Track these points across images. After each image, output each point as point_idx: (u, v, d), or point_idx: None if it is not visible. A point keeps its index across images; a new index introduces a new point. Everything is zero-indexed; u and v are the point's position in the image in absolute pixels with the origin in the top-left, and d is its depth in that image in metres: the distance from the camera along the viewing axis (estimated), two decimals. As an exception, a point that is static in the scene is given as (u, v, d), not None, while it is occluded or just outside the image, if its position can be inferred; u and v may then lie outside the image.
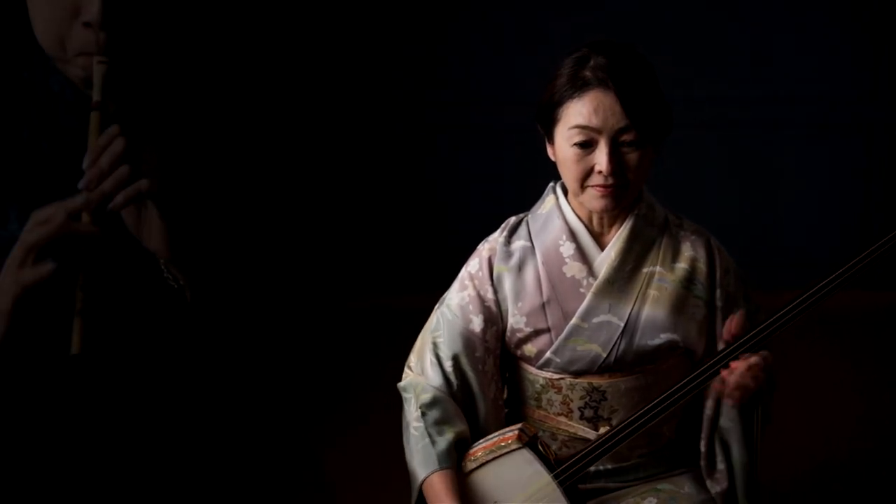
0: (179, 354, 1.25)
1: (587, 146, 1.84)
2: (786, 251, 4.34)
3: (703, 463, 1.93)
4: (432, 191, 4.51)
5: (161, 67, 1.28)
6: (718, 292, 1.93)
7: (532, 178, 2.19)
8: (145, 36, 1.20)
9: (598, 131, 1.82)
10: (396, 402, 2.00)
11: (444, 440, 1.88)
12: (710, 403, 1.91)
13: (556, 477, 1.85)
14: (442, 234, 4.28)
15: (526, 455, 1.87)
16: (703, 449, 1.92)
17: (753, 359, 1.78)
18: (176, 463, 1.29)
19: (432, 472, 1.86)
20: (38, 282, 1.07)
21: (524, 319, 1.94)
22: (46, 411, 1.22)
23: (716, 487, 1.92)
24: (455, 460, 1.88)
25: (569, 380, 1.93)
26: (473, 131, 4.48)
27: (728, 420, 1.89)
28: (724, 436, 1.90)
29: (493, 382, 1.97)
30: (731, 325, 1.81)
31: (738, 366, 1.78)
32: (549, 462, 1.87)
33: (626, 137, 1.83)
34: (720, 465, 1.91)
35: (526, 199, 2.09)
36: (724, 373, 1.79)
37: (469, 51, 4.42)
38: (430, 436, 1.88)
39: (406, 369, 2.00)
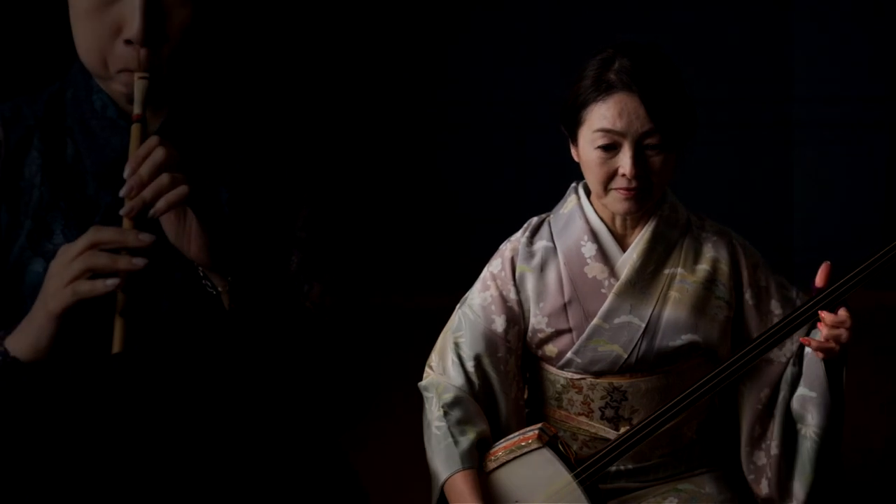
0: (216, 359, 1.30)
1: (611, 149, 1.87)
2: (807, 251, 4.35)
3: (745, 449, 1.96)
4: (448, 192, 4.54)
5: (200, 79, 1.33)
6: (749, 292, 1.95)
7: (547, 178, 2.21)
8: (186, 52, 1.26)
9: (622, 135, 1.85)
10: (412, 401, 2.02)
11: (466, 440, 1.91)
12: (764, 392, 1.94)
13: (576, 476, 1.88)
14: (455, 236, 4.30)
15: (546, 454, 1.89)
16: (748, 433, 1.96)
17: (842, 312, 1.79)
18: (205, 462, 1.33)
19: (455, 472, 1.89)
20: (95, 296, 1.14)
21: (546, 320, 1.97)
22: (88, 409, 1.28)
23: (760, 484, 1.95)
24: (477, 460, 1.92)
25: (590, 380, 1.95)
26: (486, 131, 4.50)
27: (812, 390, 1.88)
28: (800, 408, 1.90)
29: (514, 382, 2.00)
30: (820, 276, 1.82)
31: (831, 319, 1.78)
32: (570, 461, 1.90)
33: (650, 141, 1.85)
34: (774, 451, 1.93)
35: (541, 199, 2.11)
36: (819, 325, 1.80)
37: (489, 51, 4.44)
38: (452, 435, 1.91)
39: (427, 369, 2.03)
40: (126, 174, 1.17)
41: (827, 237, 4.37)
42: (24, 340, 1.20)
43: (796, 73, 4.26)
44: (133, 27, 1.22)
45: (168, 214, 1.19)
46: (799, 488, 1.91)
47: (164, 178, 1.16)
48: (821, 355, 1.82)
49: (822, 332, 1.80)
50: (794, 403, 1.91)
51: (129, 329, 1.15)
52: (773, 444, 1.94)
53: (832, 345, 1.80)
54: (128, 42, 1.23)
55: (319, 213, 1.37)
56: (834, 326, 1.78)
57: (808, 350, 1.91)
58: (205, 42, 1.27)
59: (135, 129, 1.21)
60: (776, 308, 1.95)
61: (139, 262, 1.14)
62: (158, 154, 1.17)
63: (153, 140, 1.18)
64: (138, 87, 1.23)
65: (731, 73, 4.32)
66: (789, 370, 1.93)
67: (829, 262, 1.82)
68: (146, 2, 1.21)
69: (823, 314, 1.79)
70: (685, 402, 1.86)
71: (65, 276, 1.15)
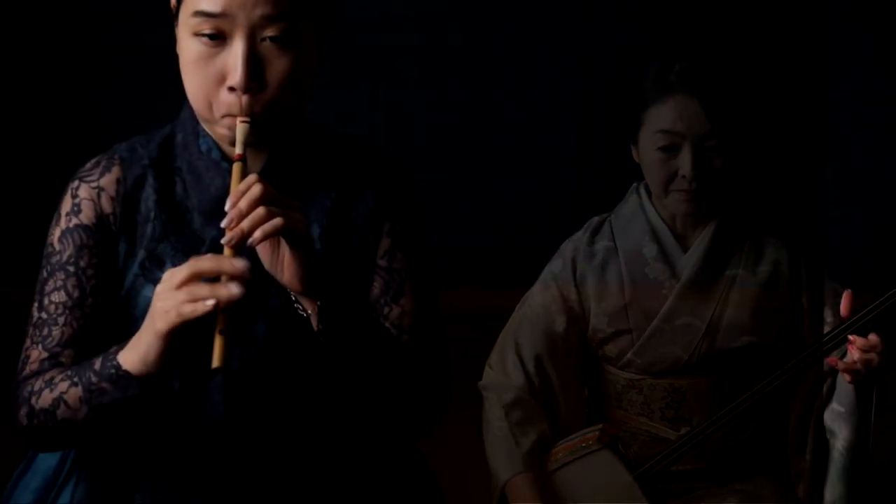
0: (307, 372, 1.47)
1: (671, 150, 1.96)
2: (840, 253, 4.37)
3: (789, 452, 2.04)
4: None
5: (298, 122, 1.52)
6: (806, 296, 2.02)
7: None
8: (284, 98, 1.42)
9: (682, 136, 1.94)
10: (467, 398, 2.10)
11: (527, 441, 2.00)
12: (804, 400, 2.02)
13: (637, 478, 1.96)
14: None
15: (608, 456, 1.99)
16: (791, 438, 2.03)
17: (873, 337, 1.83)
18: (294, 467, 1.50)
19: (516, 474, 1.98)
20: (197, 317, 1.30)
21: (606, 320, 2.06)
22: (190, 420, 1.47)
23: (799, 487, 2.03)
24: (538, 461, 2.00)
25: (650, 381, 2.05)
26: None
27: (841, 404, 1.95)
28: (830, 422, 1.97)
29: (575, 382, 2.11)
30: (844, 306, 1.87)
31: (861, 342, 1.83)
32: (630, 463, 1.98)
33: (710, 143, 1.93)
34: (808, 457, 2.01)
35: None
36: (849, 347, 1.85)
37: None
38: (513, 436, 2.00)
39: (487, 368, 2.13)
40: (227, 207, 1.33)
41: (861, 239, 4.40)
42: (134, 355, 1.37)
43: (829, 73, 4.27)
44: (236, 76, 1.38)
45: (264, 244, 1.35)
46: (829, 497, 2.00)
47: (260, 211, 1.32)
48: (848, 378, 1.87)
49: (853, 355, 1.84)
50: (826, 416, 2.00)
51: (228, 346, 1.31)
52: (807, 451, 2.03)
53: (860, 367, 1.84)
54: (231, 90, 1.40)
55: (399, 243, 1.53)
56: (865, 351, 1.82)
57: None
58: (302, 89, 1.44)
59: (236, 168, 1.38)
60: (828, 316, 2.04)
61: (236, 289, 1.29)
62: (256, 190, 1.33)
63: (252, 177, 1.34)
64: (240, 130, 1.40)
65: (764, 74, 4.34)
66: (825, 382, 2.01)
67: (850, 291, 1.88)
68: (248, 53, 1.38)
69: (854, 338, 1.84)
70: (739, 409, 1.95)
71: (169, 301, 1.32)
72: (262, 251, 1.36)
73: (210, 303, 1.28)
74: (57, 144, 3.23)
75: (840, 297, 2.02)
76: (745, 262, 2.05)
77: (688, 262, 2.04)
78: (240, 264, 1.29)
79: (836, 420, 1.97)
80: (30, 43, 3.39)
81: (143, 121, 1.60)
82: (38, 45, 3.42)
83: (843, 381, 1.93)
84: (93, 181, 1.49)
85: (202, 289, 1.29)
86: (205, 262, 1.30)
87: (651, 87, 1.98)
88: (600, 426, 2.01)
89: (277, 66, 1.39)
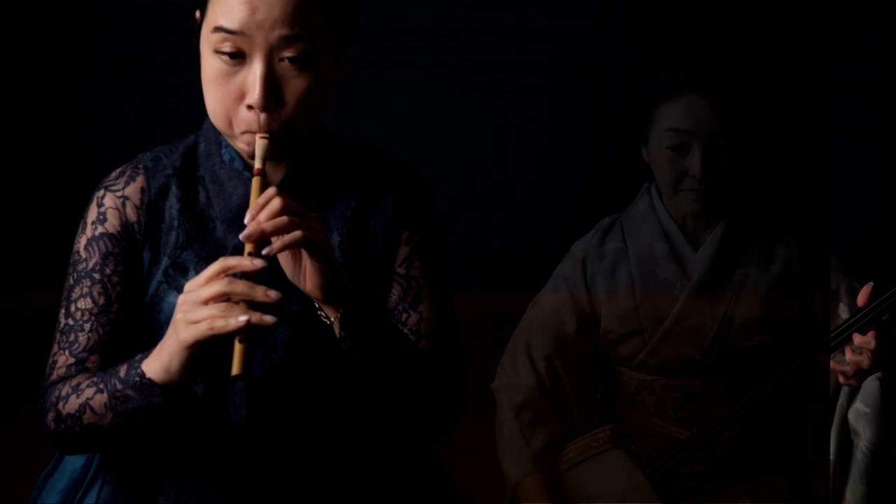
0: (329, 376, 1.53)
1: (681, 149, 1.99)
2: (847, 253, 4.38)
3: (809, 450, 2.09)
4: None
5: (317, 137, 1.57)
6: (818, 293, 2.08)
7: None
8: (302, 115, 1.48)
9: (692, 134, 1.97)
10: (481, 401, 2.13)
11: (537, 441, 2.04)
12: (826, 397, 2.05)
13: (648, 476, 1.99)
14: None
15: (619, 455, 2.03)
16: (811, 436, 2.08)
17: (869, 336, 1.81)
18: (314, 468, 1.55)
19: (526, 475, 2.02)
20: (229, 332, 1.34)
21: (617, 321, 2.10)
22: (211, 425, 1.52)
23: (818, 486, 2.07)
24: (548, 461, 2.04)
25: (662, 381, 2.10)
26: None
27: (866, 405, 1.95)
28: (854, 422, 1.98)
29: (586, 383, 2.15)
30: (861, 297, 1.85)
31: (859, 340, 1.81)
32: (642, 462, 2.02)
33: (719, 141, 1.97)
34: (832, 456, 2.04)
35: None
36: (847, 348, 1.84)
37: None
38: (524, 437, 2.04)
39: (499, 369, 2.17)
40: (246, 220, 1.39)
41: (868, 239, 4.42)
42: (158, 364, 1.42)
43: (837, 73, 4.30)
44: (254, 95, 1.44)
45: (285, 254, 1.41)
46: (850, 497, 2.03)
47: (278, 222, 1.37)
48: (842, 378, 1.88)
49: (847, 356, 1.85)
50: (850, 415, 2.02)
51: (248, 353, 1.35)
52: (831, 450, 2.06)
53: (849, 370, 1.84)
54: (250, 107, 1.45)
55: (417, 251, 1.59)
56: (858, 350, 1.82)
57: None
58: (321, 105, 1.50)
59: (255, 182, 1.44)
60: (843, 312, 2.08)
61: (269, 319, 1.34)
62: (276, 203, 1.38)
63: (271, 190, 1.40)
64: (259, 145, 1.46)
65: (772, 74, 4.37)
66: None
67: (871, 283, 1.86)
68: (266, 73, 1.43)
69: (854, 335, 1.83)
70: (747, 406, 1.99)
71: (199, 313, 1.36)
72: (285, 262, 1.41)
73: (243, 319, 1.32)
74: (81, 152, 3.28)
75: (857, 293, 2.06)
76: (756, 261, 2.09)
77: (699, 263, 2.08)
78: (273, 294, 1.34)
79: (861, 420, 1.98)
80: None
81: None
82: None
83: (869, 381, 1.93)
84: (118, 190, 1.54)
85: (236, 308, 1.33)
86: (239, 286, 1.34)
87: (661, 87, 2.03)
88: (611, 426, 2.05)
89: (295, 85, 1.44)
